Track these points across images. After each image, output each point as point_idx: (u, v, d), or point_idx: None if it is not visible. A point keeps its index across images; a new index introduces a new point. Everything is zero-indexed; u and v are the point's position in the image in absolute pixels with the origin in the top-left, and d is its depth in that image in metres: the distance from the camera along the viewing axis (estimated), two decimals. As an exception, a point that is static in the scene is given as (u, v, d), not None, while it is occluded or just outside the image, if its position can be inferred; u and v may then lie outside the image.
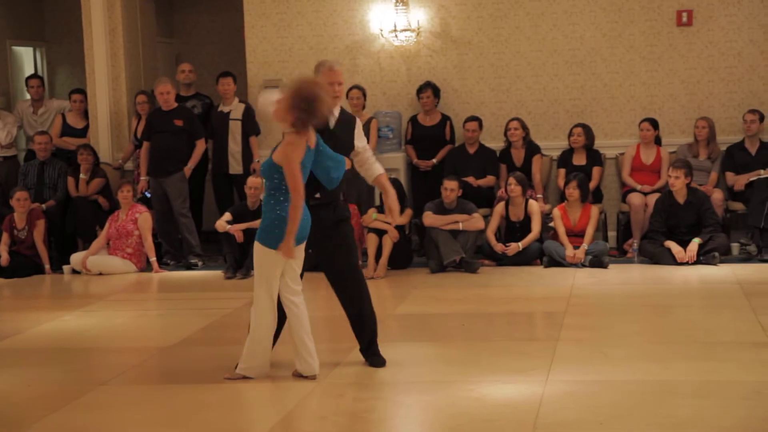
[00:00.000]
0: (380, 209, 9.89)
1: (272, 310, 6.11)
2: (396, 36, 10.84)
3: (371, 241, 9.69)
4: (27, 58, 12.87)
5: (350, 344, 7.02)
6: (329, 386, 6.06)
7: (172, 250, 10.54)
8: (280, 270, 6.04)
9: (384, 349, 7.00)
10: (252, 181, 10.11)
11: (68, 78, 12.94)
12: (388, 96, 10.99)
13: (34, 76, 11.89)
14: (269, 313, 6.11)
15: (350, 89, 10.59)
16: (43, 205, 10.61)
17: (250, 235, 9.90)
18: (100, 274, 10.12)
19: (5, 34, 12.19)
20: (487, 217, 10.10)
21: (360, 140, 6.41)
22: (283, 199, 5.95)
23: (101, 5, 11.04)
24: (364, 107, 10.64)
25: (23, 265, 10.11)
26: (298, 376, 6.20)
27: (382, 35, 10.90)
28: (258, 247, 6.03)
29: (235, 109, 10.74)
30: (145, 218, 10.22)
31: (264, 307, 6.09)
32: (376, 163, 6.50)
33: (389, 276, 9.55)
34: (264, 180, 6.08)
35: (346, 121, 6.37)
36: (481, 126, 10.64)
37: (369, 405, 5.73)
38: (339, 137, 6.26)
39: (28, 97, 11.74)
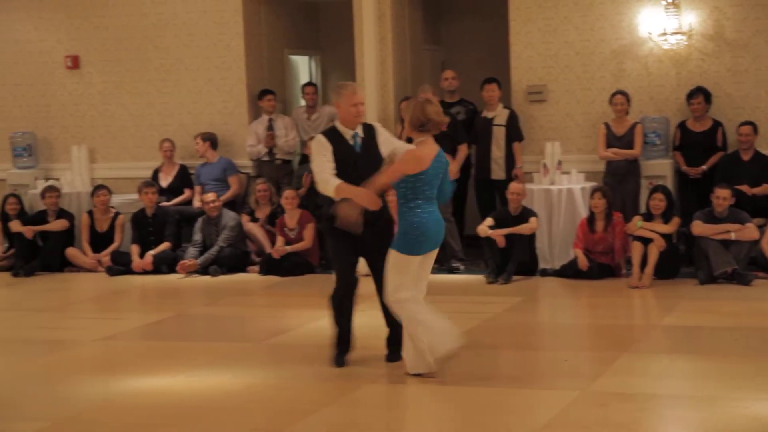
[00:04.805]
0: (645, 217, 9.67)
1: (418, 303, 6.39)
2: (666, 39, 10.54)
3: (636, 249, 9.47)
4: (303, 66, 13.48)
5: (614, 353, 6.95)
6: (593, 396, 6.00)
7: (434, 253, 10.72)
8: (413, 275, 6.32)
9: (650, 360, 6.92)
10: (514, 186, 10.13)
11: (340, 85, 13.43)
12: (655, 101, 10.70)
13: (309, 83, 12.47)
14: (419, 307, 6.39)
15: (614, 94, 10.43)
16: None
17: (511, 240, 9.93)
18: (368, 275, 10.42)
19: (283, 44, 12.80)
20: (762, 228, 9.62)
21: (387, 146, 6.59)
22: (413, 206, 6.26)
23: (372, 15, 11.37)
24: (627, 112, 10.44)
25: (296, 264, 10.60)
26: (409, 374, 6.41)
27: (651, 39, 10.62)
28: (392, 253, 6.32)
29: (499, 115, 10.79)
30: (409, 222, 10.45)
31: (412, 308, 6.36)
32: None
33: (654, 286, 9.31)
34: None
35: (368, 136, 6.62)
36: (755, 131, 10.15)
37: (634, 417, 5.61)
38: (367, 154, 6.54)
39: (303, 103, 12.32)
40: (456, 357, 6.45)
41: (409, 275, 6.36)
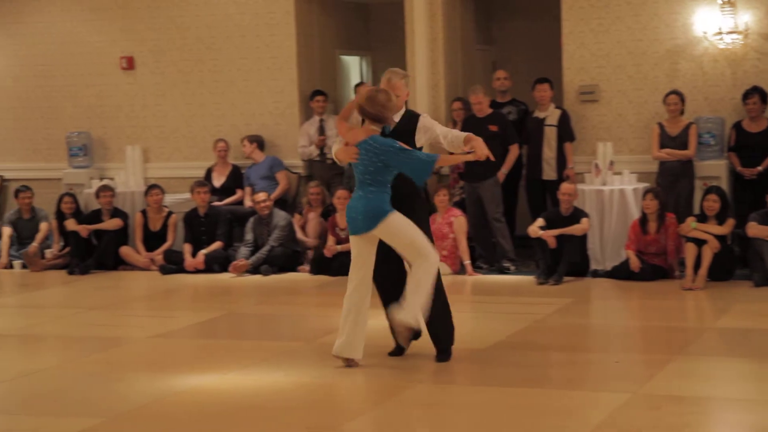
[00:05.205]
0: (699, 218, 9.58)
1: (352, 292, 6.78)
2: (721, 39, 10.44)
3: (690, 250, 9.39)
4: (354, 67, 13.55)
5: (666, 355, 6.92)
6: (644, 398, 5.97)
7: (485, 253, 10.72)
8: (355, 255, 6.80)
9: (703, 363, 6.87)
10: (566, 187, 10.09)
11: (391, 85, 13.47)
12: (710, 101, 10.60)
13: (361, 83, 12.52)
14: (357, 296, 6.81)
15: (668, 94, 10.37)
16: None
17: (562, 241, 9.89)
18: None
19: (334, 44, 12.87)
20: (818, 230, 9.48)
21: (426, 134, 6.78)
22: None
23: (424, 15, 11.41)
24: (682, 112, 10.35)
25: (347, 264, 10.45)
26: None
27: (706, 38, 10.52)
28: None
29: (550, 115, 10.76)
30: (460, 222, 10.47)
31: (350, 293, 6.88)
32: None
33: (708, 288, 9.23)
34: None
35: (406, 122, 6.82)
36: (812, 132, 10.04)
37: (687, 420, 5.56)
38: (394, 137, 6.72)
39: (354, 103, 12.38)
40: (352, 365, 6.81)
41: (353, 254, 6.81)
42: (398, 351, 7.08)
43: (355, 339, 6.75)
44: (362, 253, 6.76)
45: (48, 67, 12.94)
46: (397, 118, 6.83)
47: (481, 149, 6.57)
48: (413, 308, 6.54)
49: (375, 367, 6.85)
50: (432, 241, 6.84)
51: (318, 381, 6.62)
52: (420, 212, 6.86)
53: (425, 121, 6.88)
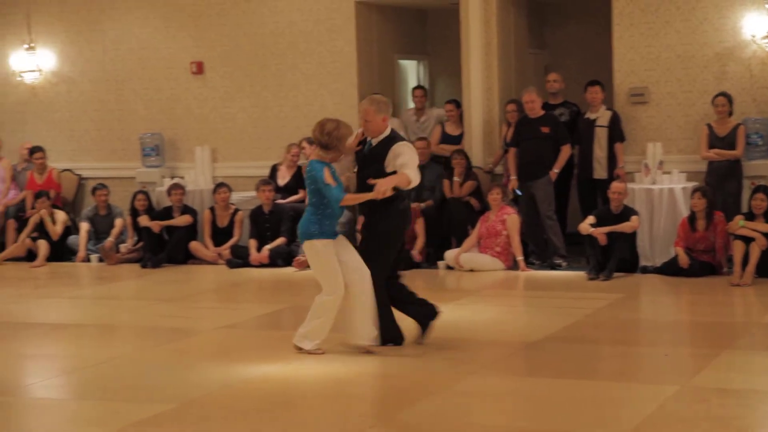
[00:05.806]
0: (747, 216, 9.74)
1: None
2: (769, 41, 10.60)
3: (738, 248, 9.52)
4: (411, 71, 13.78)
5: (714, 349, 6.99)
6: (693, 390, 6.09)
7: (537, 250, 10.96)
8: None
9: (751, 357, 6.95)
10: (616, 186, 10.30)
11: (446, 88, 13.66)
12: (758, 102, 10.72)
13: (419, 86, 12.76)
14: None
15: (716, 96, 10.51)
16: (422, 204, 11.44)
17: (612, 238, 10.11)
18: (471, 270, 10.74)
19: (393, 49, 13.09)
20: None
21: (391, 160, 7.03)
22: None
23: (479, 20, 11.63)
24: (730, 114, 10.49)
25: (401, 258, 10.88)
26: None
27: (754, 41, 10.67)
28: None
29: (601, 116, 10.97)
30: (513, 219, 10.74)
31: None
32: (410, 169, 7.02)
33: (756, 284, 9.33)
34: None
35: (381, 146, 7.14)
36: None
37: (735, 412, 5.67)
38: (369, 158, 7.18)
39: (412, 105, 12.68)
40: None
41: None
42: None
43: (355, 326, 7.14)
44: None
45: (123, 72, 13.32)
46: (375, 141, 7.19)
47: (378, 187, 6.85)
48: (307, 334, 7.17)
49: (428, 358, 7.03)
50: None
51: (374, 371, 6.83)
52: (389, 232, 7.25)
53: (396, 148, 7.07)
